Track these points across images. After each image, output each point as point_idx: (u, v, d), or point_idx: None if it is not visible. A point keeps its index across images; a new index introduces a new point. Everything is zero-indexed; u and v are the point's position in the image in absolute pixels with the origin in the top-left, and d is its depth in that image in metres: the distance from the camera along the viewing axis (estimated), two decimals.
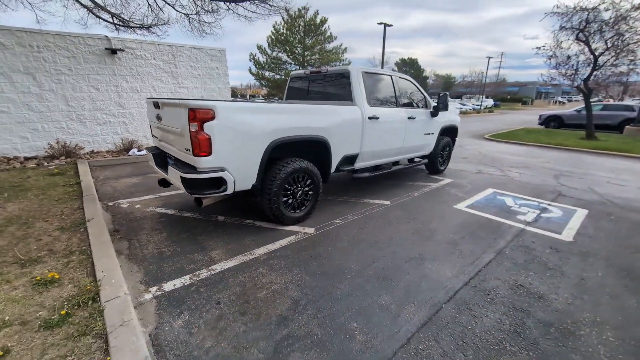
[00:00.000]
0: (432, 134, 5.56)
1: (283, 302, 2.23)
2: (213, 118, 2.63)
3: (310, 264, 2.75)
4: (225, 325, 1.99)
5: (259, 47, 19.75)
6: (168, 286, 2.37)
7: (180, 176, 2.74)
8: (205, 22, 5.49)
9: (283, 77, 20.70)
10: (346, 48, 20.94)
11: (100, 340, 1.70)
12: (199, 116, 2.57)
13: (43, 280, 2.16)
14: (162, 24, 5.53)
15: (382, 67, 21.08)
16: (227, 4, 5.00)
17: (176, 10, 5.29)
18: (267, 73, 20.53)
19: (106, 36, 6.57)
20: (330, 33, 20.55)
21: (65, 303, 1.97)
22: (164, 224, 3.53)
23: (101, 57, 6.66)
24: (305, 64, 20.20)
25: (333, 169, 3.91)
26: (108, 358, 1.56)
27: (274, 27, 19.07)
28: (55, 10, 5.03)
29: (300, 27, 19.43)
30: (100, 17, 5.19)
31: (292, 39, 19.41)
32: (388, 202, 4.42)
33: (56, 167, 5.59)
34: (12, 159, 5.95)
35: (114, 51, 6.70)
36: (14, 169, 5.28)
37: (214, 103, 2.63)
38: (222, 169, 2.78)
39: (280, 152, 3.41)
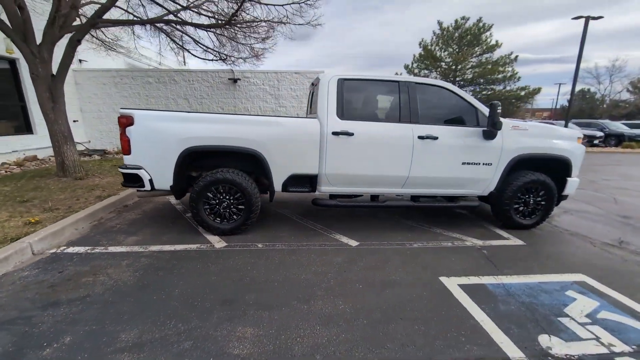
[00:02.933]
0: (487, 164, 3.67)
1: (81, 292, 2.35)
2: (132, 123, 3.13)
3: (158, 273, 2.66)
4: (32, 288, 2.37)
5: (406, 67, 19.32)
6: (69, 249, 3.05)
7: None
8: (263, 49, 6.35)
9: None
10: (517, 57, 16.57)
11: None
12: (123, 121, 3.14)
13: (30, 221, 3.38)
14: (246, 58, 6.89)
15: (577, 77, 15.17)
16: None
17: (237, 42, 6.43)
18: None
19: (232, 70, 8.80)
20: (497, 41, 17.00)
21: (10, 236, 3.01)
22: (155, 210, 4.40)
23: (227, 85, 8.97)
24: (457, 78, 17.75)
25: (278, 187, 3.48)
26: None
27: (420, 44, 18.06)
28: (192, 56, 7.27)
29: (455, 38, 17.29)
30: (206, 59, 7.17)
31: (440, 53, 17.62)
32: (354, 244, 3.38)
33: None
34: None
35: (235, 80, 8.85)
36: None
37: (134, 111, 3.14)
38: (139, 167, 3.23)
39: (211, 160, 3.49)
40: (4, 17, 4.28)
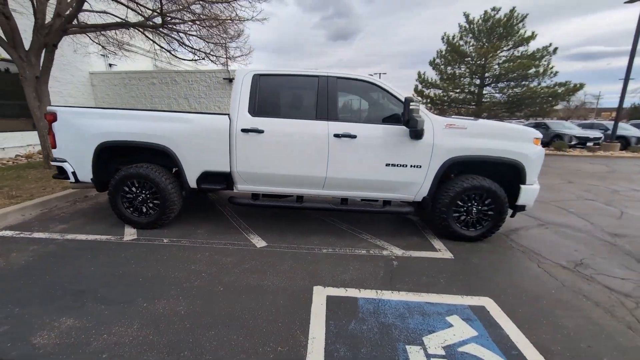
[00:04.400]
0: (416, 166, 3.31)
1: None
2: (55, 119, 3.37)
3: (50, 260, 2.83)
4: None
5: (431, 63, 18.09)
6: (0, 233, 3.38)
7: None
8: (237, 48, 6.41)
9: (458, 94, 17.81)
10: (556, 49, 14.55)
11: None
12: (48, 117, 3.39)
13: None
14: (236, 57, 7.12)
15: (629, 71, 13.02)
16: None
17: (211, 43, 6.57)
18: (433, 91, 18.34)
19: (227, 70, 9.06)
20: (532, 32, 15.14)
21: None
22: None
23: (223, 85, 9.26)
24: (485, 75, 16.27)
25: (192, 184, 3.49)
26: None
27: (442, 38, 16.76)
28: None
29: (484, 31, 15.80)
30: (186, 59, 7.46)
31: (466, 48, 16.20)
32: (260, 245, 3.28)
33: None
34: None
35: (230, 80, 9.10)
36: None
37: (56, 108, 3.37)
38: (63, 160, 3.46)
39: (138, 155, 3.60)
40: None
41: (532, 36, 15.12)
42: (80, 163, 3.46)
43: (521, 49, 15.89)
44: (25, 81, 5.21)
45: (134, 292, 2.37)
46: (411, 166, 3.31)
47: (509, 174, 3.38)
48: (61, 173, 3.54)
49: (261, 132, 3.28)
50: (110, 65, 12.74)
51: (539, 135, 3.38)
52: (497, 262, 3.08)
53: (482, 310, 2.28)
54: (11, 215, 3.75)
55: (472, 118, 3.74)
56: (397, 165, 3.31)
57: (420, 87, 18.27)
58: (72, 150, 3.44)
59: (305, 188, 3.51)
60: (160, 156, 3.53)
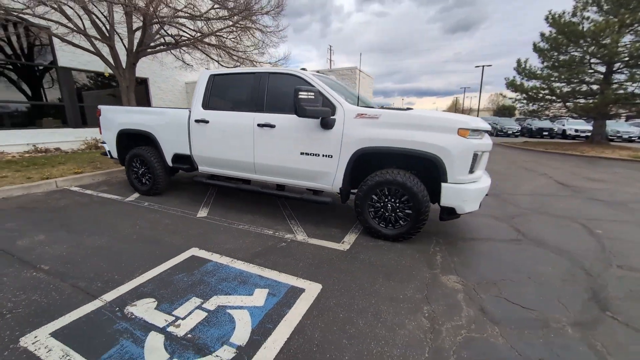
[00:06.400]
0: (328, 156, 3.33)
1: (37, 205, 4.24)
2: (100, 114, 4.94)
3: (76, 206, 4.28)
4: (33, 199, 4.48)
5: (535, 47, 14.52)
6: (73, 188, 5.20)
7: None
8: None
9: (565, 84, 13.99)
10: None
11: None
12: (97, 113, 5.00)
13: (75, 171, 5.86)
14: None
15: None
16: None
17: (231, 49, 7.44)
18: (531, 83, 14.67)
19: None
20: None
21: (54, 176, 5.46)
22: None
23: None
24: (614, 59, 12.13)
25: (169, 163, 4.48)
26: None
27: (547, 18, 13.06)
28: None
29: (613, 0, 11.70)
30: (228, 66, 8.75)
31: (584, 26, 12.28)
32: (200, 215, 3.98)
33: None
34: None
35: None
36: None
37: (100, 106, 4.93)
38: (104, 143, 5.04)
39: (140, 142, 4.85)
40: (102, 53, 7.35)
41: None
42: (112, 145, 4.97)
43: None
44: (123, 90, 7.54)
45: (88, 229, 3.44)
46: (323, 155, 3.35)
47: (429, 168, 2.98)
48: (105, 153, 5.16)
49: (207, 122, 3.96)
50: None
51: (469, 125, 2.83)
52: (385, 263, 2.81)
53: (298, 292, 2.31)
54: (85, 179, 5.67)
55: (405, 108, 3.35)
56: (311, 154, 3.41)
57: (517, 78, 15.22)
58: (108, 136, 4.98)
59: (243, 172, 3.99)
60: (148, 142, 4.68)
